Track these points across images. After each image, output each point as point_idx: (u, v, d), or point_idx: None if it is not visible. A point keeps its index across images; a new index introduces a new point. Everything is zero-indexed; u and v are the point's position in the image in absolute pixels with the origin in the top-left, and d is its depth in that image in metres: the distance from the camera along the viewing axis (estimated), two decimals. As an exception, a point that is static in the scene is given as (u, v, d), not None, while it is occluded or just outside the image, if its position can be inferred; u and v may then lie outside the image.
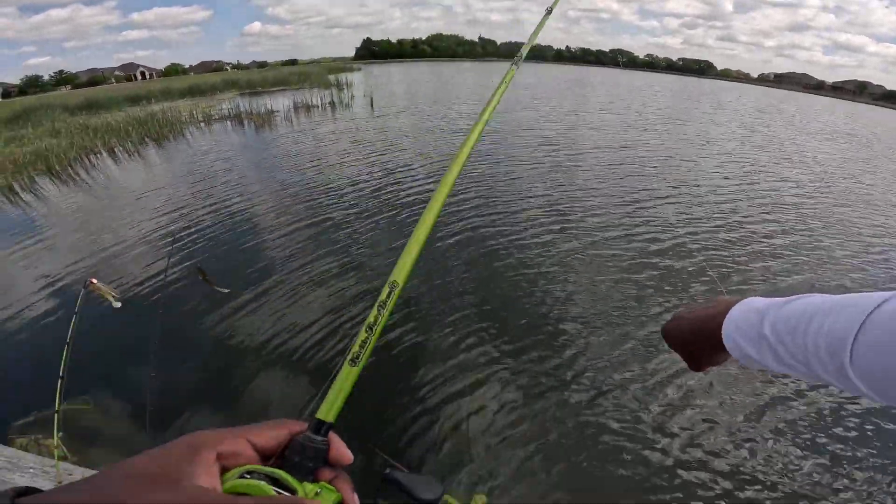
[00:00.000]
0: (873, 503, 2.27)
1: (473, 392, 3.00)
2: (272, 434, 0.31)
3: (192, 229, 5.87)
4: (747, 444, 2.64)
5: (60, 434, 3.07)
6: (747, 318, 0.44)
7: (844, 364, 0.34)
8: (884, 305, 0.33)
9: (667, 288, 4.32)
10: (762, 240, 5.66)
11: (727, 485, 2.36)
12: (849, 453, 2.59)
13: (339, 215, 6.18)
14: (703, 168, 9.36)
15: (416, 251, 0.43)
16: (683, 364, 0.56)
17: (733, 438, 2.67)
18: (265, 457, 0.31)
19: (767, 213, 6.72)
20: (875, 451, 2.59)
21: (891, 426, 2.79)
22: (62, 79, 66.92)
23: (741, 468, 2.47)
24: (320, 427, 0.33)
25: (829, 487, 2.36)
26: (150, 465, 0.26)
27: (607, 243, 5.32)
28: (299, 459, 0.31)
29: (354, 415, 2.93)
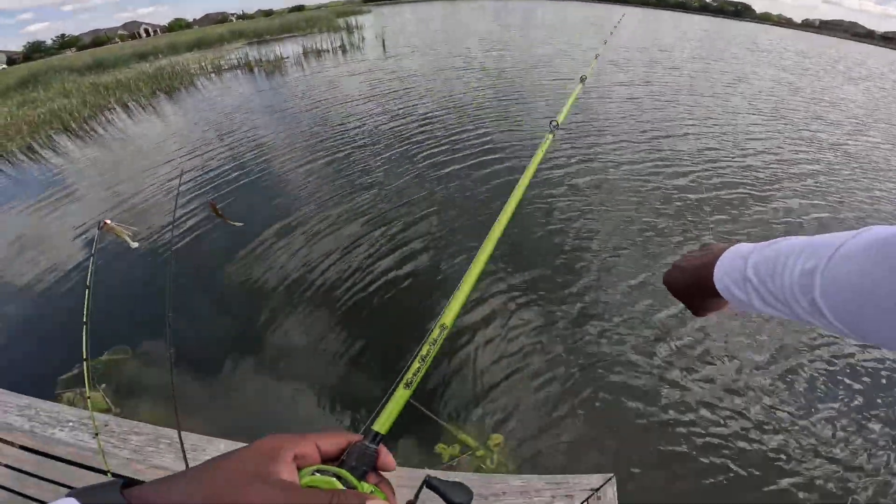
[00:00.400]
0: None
1: (487, 327, 2.97)
2: (334, 441, 0.36)
3: (207, 171, 5.98)
4: (765, 381, 2.56)
5: (103, 385, 3.03)
6: (734, 263, 0.46)
7: (816, 298, 0.35)
8: (850, 241, 0.34)
9: (689, 219, 4.14)
10: (790, 177, 5.26)
11: (741, 423, 2.32)
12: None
13: (352, 153, 6.13)
14: (732, 105, 8.64)
15: (463, 299, 0.51)
16: None
17: (751, 375, 2.59)
18: (326, 460, 0.36)
19: (797, 153, 6.17)
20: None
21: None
22: (65, 42, 66.78)
23: (757, 406, 2.41)
24: (375, 437, 0.38)
25: (841, 432, 2.29)
26: (244, 465, 0.31)
27: (628, 175, 5.12)
28: (355, 464, 0.36)
29: (373, 351, 2.94)
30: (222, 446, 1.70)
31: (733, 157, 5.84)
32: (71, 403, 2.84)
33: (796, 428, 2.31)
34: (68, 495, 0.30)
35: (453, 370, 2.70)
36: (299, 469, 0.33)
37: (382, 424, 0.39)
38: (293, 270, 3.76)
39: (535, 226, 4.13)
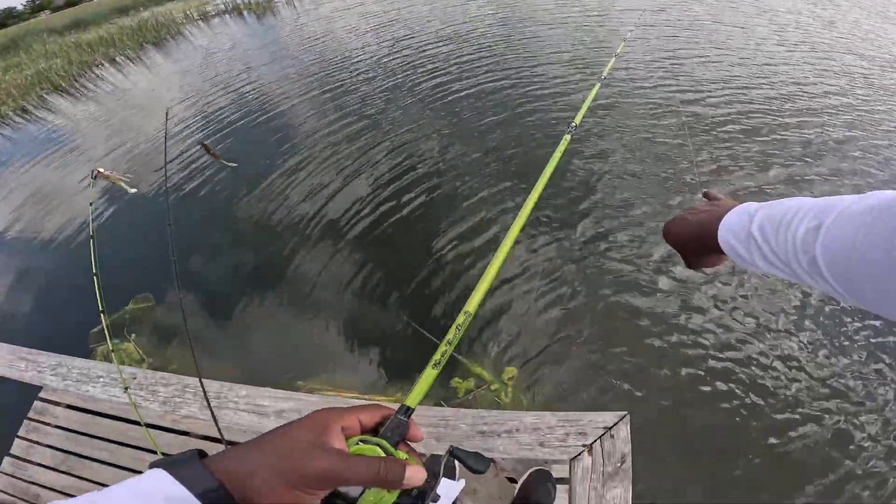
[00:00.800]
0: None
1: (514, 268, 2.89)
2: (372, 414, 0.41)
3: (201, 114, 5.91)
4: (776, 320, 2.44)
5: (133, 336, 3.15)
6: (740, 219, 0.46)
7: (816, 256, 0.35)
8: (854, 203, 0.34)
9: (708, 147, 3.84)
10: (812, 109, 4.63)
11: (748, 356, 2.28)
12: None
13: (349, 86, 5.92)
14: (754, 35, 7.69)
15: (487, 286, 0.53)
16: None
17: (761, 310, 2.48)
18: (364, 430, 0.41)
19: (821, 85, 5.52)
20: None
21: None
22: (38, 6, 65.28)
23: (764, 343, 2.33)
24: (407, 411, 0.43)
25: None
26: (303, 435, 0.36)
27: (642, 100, 4.75)
28: (390, 434, 0.41)
29: (388, 284, 2.94)
30: (243, 392, 1.76)
31: (758, 85, 5.32)
32: (105, 358, 2.99)
33: (816, 359, 2.26)
34: (152, 465, 0.33)
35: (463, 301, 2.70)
36: (346, 439, 0.38)
37: (413, 400, 0.44)
38: (299, 206, 3.73)
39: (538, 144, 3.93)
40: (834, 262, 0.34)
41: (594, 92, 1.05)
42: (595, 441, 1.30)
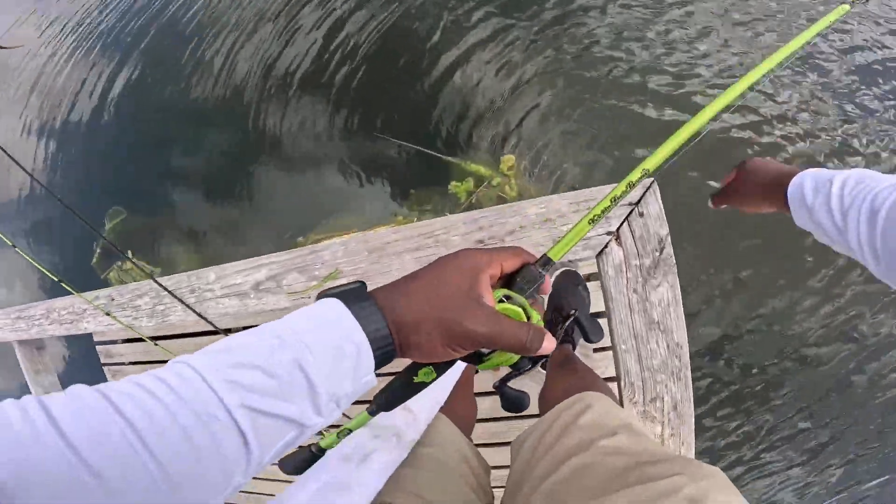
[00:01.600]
0: None
1: (476, 53, 2.28)
2: (514, 261, 0.40)
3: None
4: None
5: (129, 252, 3.00)
6: (825, 171, 0.49)
7: (879, 217, 0.37)
8: None
9: None
10: None
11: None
12: None
13: None
14: None
15: (677, 144, 0.46)
16: None
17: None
18: (505, 275, 0.39)
19: None
20: None
21: None
22: None
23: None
24: (547, 262, 0.41)
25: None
26: (461, 283, 0.34)
27: None
28: (527, 287, 0.39)
29: (391, 110, 2.37)
30: (212, 276, 1.53)
31: None
32: (121, 281, 2.94)
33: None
34: (324, 295, 0.34)
35: (447, 103, 2.14)
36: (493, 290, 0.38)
37: (556, 253, 0.43)
38: (260, 52, 2.91)
39: None
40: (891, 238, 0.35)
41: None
42: (622, 224, 0.93)
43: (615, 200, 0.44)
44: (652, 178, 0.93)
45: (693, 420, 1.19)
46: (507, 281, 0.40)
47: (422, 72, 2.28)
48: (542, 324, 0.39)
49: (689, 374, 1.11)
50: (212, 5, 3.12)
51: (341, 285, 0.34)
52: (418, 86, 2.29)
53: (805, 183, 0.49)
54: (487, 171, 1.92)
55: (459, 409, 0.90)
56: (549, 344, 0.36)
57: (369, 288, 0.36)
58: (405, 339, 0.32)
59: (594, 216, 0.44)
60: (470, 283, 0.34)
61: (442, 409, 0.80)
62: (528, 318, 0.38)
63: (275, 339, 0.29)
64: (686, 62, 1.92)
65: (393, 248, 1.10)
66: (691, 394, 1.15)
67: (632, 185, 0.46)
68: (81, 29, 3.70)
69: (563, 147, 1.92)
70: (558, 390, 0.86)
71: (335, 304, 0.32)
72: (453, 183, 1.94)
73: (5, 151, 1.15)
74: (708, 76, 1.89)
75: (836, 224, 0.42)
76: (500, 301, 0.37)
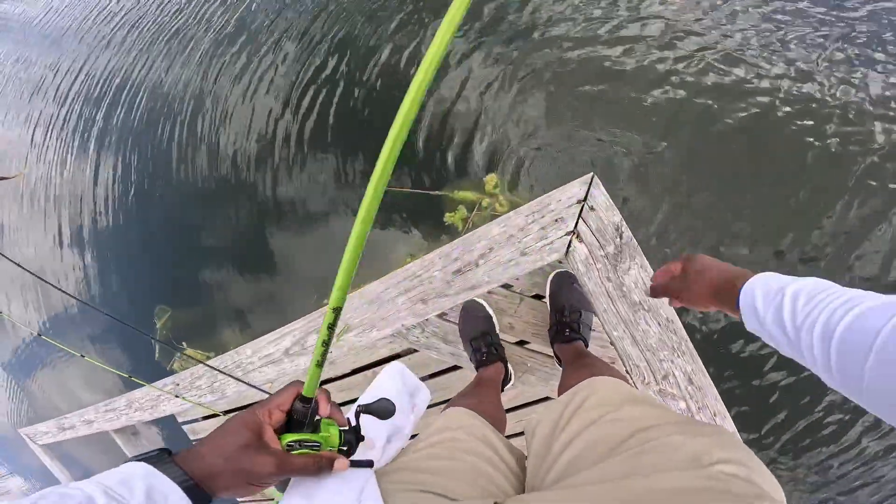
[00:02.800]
0: None
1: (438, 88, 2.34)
2: (289, 396, 0.47)
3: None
4: None
5: (183, 344, 3.31)
6: (777, 278, 0.49)
7: (833, 341, 0.37)
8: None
9: None
10: None
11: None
12: None
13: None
14: None
15: (347, 274, 0.43)
16: None
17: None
18: (288, 410, 0.47)
19: None
20: None
21: None
22: None
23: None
24: (305, 400, 0.47)
25: None
26: (245, 440, 0.42)
27: None
28: (302, 419, 0.47)
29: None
30: (248, 351, 1.71)
31: None
32: (184, 368, 3.24)
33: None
34: (129, 461, 0.41)
35: (424, 140, 2.28)
36: (277, 434, 0.46)
37: (307, 390, 0.47)
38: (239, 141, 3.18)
39: None
40: (845, 349, 0.35)
41: None
42: (577, 222, 1.00)
43: (325, 344, 0.45)
44: (592, 174, 1.00)
45: (714, 389, 1.19)
46: (289, 418, 0.47)
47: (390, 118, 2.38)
48: (336, 436, 0.48)
49: (690, 346, 1.13)
50: (195, 90, 3.45)
51: (145, 453, 0.42)
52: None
53: (756, 292, 0.48)
54: (475, 196, 2.00)
55: (486, 411, 0.94)
56: (338, 465, 0.46)
57: None
58: (210, 485, 0.40)
59: (317, 361, 0.46)
60: (254, 436, 0.42)
61: (468, 408, 0.83)
62: (319, 447, 0.46)
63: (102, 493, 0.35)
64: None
65: (387, 296, 1.22)
66: (701, 364, 1.16)
67: (331, 327, 0.45)
68: (76, 127, 4.09)
69: (539, 152, 1.96)
70: (571, 384, 0.90)
71: (139, 465, 0.39)
72: (447, 214, 2.03)
73: (43, 279, 1.36)
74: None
75: (789, 338, 0.42)
76: (290, 446, 0.45)
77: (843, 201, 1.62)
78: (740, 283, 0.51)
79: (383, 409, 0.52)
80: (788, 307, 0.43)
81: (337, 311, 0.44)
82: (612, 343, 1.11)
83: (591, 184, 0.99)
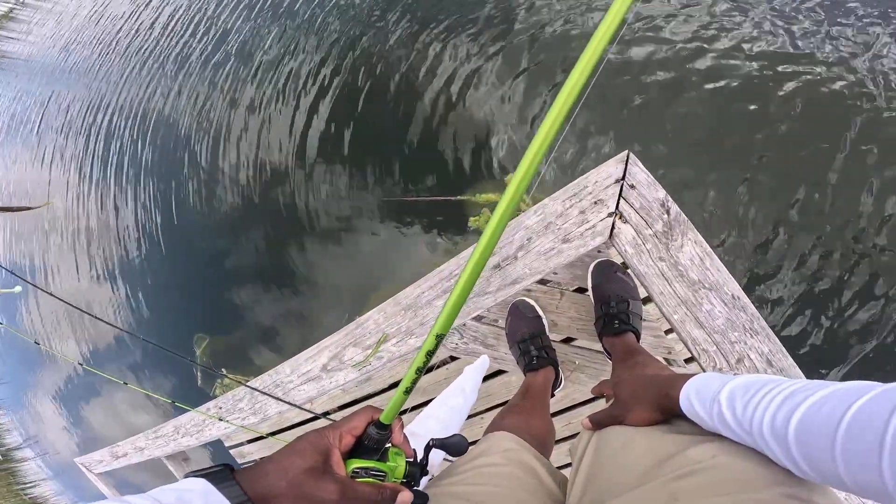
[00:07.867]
0: None
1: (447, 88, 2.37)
2: (362, 421, 0.46)
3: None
4: None
5: (223, 370, 3.36)
6: (708, 381, 0.47)
7: (789, 440, 0.35)
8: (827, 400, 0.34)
9: None
10: None
11: None
12: None
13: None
14: None
15: (456, 304, 0.46)
16: None
17: None
18: (358, 436, 0.47)
19: None
20: None
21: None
22: None
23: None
24: (381, 427, 0.46)
25: None
26: (311, 462, 0.41)
27: None
28: (375, 446, 0.46)
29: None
30: (287, 370, 1.69)
31: None
32: (225, 390, 3.28)
33: None
34: (189, 475, 0.40)
35: (441, 149, 2.25)
36: (344, 460, 0.45)
37: (386, 416, 0.46)
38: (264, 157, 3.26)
39: None
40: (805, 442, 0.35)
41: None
42: (619, 202, 0.92)
43: (419, 371, 0.47)
44: (627, 151, 0.92)
45: (797, 369, 1.07)
46: (358, 443, 0.46)
47: (410, 132, 2.42)
48: (403, 468, 0.46)
49: (763, 323, 1.02)
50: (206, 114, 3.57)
51: (208, 467, 0.41)
52: (411, 144, 2.42)
53: (693, 403, 0.47)
54: (496, 196, 1.95)
55: (533, 428, 0.89)
56: (402, 499, 0.44)
57: None
58: None
59: (406, 388, 0.47)
60: (321, 460, 0.42)
61: (511, 430, 0.80)
62: (384, 477, 0.44)
63: None
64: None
65: (424, 299, 1.17)
66: (779, 344, 1.05)
67: (430, 354, 0.47)
68: (101, 159, 4.31)
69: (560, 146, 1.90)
70: None
71: (199, 480, 0.38)
72: (471, 218, 2.01)
73: (82, 310, 1.39)
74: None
75: (743, 437, 0.41)
76: (356, 473, 0.44)
77: None
78: (675, 394, 0.49)
79: (457, 446, 0.50)
80: (729, 415, 0.41)
81: (440, 337, 0.46)
82: (672, 328, 1.02)
83: (627, 161, 0.92)
